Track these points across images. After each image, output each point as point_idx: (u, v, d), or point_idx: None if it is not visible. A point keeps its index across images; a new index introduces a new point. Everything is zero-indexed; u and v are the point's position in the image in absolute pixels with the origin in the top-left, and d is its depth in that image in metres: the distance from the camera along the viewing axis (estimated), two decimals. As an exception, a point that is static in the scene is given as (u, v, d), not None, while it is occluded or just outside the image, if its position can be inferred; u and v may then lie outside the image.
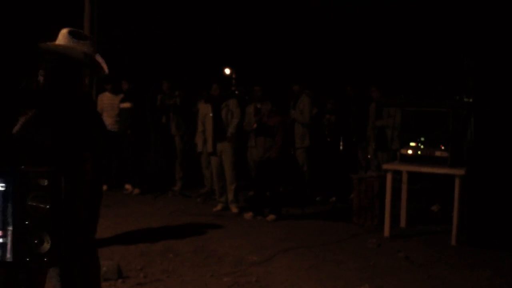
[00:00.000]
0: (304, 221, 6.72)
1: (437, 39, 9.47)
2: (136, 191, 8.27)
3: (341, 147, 7.88)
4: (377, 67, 9.94)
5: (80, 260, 2.36)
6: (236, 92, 9.98)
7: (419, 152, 6.00)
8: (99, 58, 2.51)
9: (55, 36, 2.49)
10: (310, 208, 7.43)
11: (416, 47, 9.83)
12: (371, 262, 5.04)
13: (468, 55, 6.29)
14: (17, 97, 2.24)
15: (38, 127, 2.20)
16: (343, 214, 7.00)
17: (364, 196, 6.66)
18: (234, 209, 7.16)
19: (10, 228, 1.30)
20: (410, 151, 6.05)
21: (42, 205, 1.30)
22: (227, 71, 13.33)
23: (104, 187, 7.05)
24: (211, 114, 7.18)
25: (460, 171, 5.65)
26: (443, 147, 5.89)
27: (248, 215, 6.85)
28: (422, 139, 6.09)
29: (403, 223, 6.43)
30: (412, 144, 6.10)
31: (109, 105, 8.31)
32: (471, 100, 6.13)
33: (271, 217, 6.74)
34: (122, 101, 8.28)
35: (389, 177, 6.00)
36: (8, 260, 1.30)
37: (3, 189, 1.31)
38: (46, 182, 1.31)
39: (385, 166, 6.20)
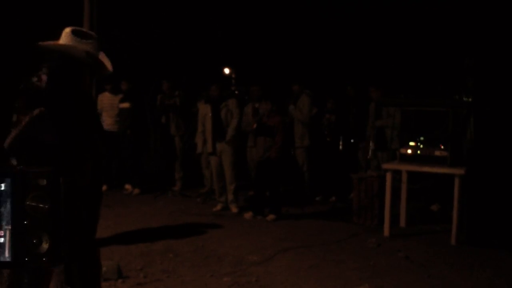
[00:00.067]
0: (304, 221, 6.72)
1: (436, 38, 9.47)
2: (136, 191, 8.27)
3: (340, 147, 7.89)
4: (377, 67, 9.94)
5: (80, 260, 2.35)
6: (236, 92, 9.97)
7: (418, 152, 6.00)
8: (103, 57, 2.49)
9: (55, 36, 2.47)
10: (310, 208, 7.44)
11: (416, 47, 9.83)
12: (371, 262, 5.04)
13: (468, 55, 6.29)
14: (15, 99, 2.24)
15: (43, 126, 2.19)
16: (343, 214, 7.00)
17: (364, 196, 6.66)
18: (234, 209, 7.16)
19: (9, 227, 1.30)
20: (409, 151, 6.05)
21: (41, 205, 1.30)
22: (227, 71, 13.33)
23: (104, 187, 7.05)
24: (210, 114, 7.19)
25: (459, 171, 5.65)
26: (442, 147, 5.90)
27: (248, 215, 6.85)
28: (422, 138, 6.09)
29: (403, 222, 6.43)
30: (412, 143, 6.10)
31: (108, 105, 8.30)
32: (470, 99, 6.14)
33: (271, 217, 6.74)
34: (122, 101, 8.27)
35: (388, 176, 6.01)
36: (7, 260, 1.30)
37: (2, 188, 1.31)
38: (45, 182, 1.31)
39: (384, 166, 6.20)
